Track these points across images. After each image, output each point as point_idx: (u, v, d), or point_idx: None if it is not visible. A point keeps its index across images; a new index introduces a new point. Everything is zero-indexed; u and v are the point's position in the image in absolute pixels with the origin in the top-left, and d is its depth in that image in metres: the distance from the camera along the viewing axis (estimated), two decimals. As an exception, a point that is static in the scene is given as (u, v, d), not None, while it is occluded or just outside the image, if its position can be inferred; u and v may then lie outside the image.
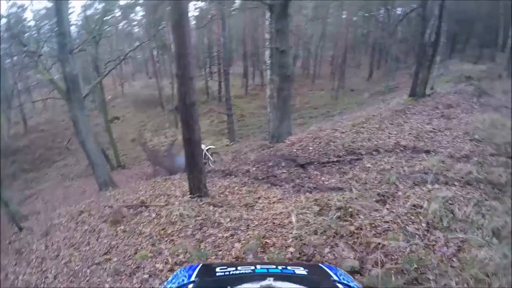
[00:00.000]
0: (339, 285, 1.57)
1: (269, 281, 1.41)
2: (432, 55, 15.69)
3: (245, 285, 1.41)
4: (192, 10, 41.53)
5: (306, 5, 43.46)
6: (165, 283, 1.74)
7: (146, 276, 4.67)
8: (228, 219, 6.04)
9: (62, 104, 23.22)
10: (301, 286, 1.43)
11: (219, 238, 5.41)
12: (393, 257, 4.12)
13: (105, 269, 5.09)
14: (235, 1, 35.99)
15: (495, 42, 28.52)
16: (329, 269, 1.82)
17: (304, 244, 4.63)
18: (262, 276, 1.48)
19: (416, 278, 3.76)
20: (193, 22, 38.09)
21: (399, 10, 35.76)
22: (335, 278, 1.66)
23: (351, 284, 1.63)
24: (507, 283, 3.56)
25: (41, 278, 5.33)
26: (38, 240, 7.23)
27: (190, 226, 5.99)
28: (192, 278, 1.62)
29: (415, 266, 3.88)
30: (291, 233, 4.97)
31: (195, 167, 7.08)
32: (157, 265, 4.85)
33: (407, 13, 27.02)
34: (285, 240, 4.86)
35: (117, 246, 5.81)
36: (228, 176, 9.09)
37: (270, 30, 12.28)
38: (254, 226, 5.63)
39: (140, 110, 33.21)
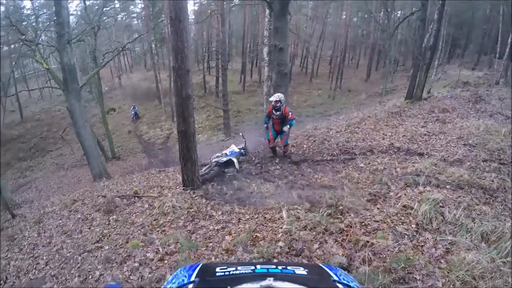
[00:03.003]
0: (339, 285, 1.56)
1: (269, 281, 1.40)
2: (430, 59, 15.75)
3: (245, 285, 1.39)
4: (192, 5, 41.63)
5: (306, 4, 43.56)
6: (165, 283, 1.72)
7: (136, 264, 4.69)
8: (220, 212, 6.11)
9: (59, 94, 23.09)
10: (301, 286, 1.41)
11: (210, 230, 5.47)
12: (381, 256, 4.16)
13: (97, 256, 5.11)
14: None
15: (494, 49, 28.61)
16: (329, 269, 1.80)
17: (294, 239, 4.68)
18: (262, 276, 1.47)
19: (403, 277, 3.78)
20: (192, 17, 38.11)
21: (399, 13, 35.89)
22: (335, 278, 1.65)
23: (351, 284, 1.62)
24: (494, 286, 3.60)
25: (33, 264, 5.34)
26: (31, 227, 7.24)
27: (182, 217, 6.06)
28: (192, 278, 1.61)
29: (403, 265, 3.90)
30: (281, 227, 5.02)
31: (189, 160, 7.10)
32: (148, 254, 4.89)
33: (407, 16, 27.06)
34: (275, 234, 4.90)
35: (109, 235, 5.83)
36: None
37: (269, 27, 12.30)
38: (245, 220, 5.69)
39: (137, 103, 33.06)
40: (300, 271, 1.69)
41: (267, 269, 1.66)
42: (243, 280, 1.45)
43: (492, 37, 32.16)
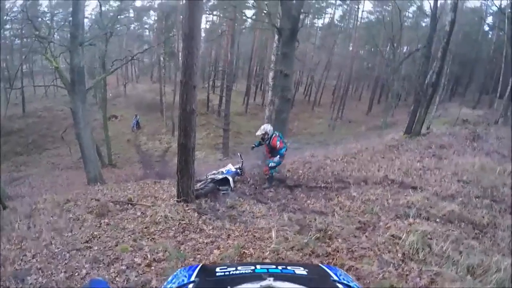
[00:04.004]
0: (339, 285, 1.61)
1: (269, 281, 1.44)
2: (432, 96, 15.95)
3: (245, 285, 1.43)
4: (204, 23, 42.19)
5: (314, 33, 44.13)
6: (165, 283, 1.77)
7: (123, 267, 4.73)
8: (211, 227, 6.20)
9: (63, 94, 23.16)
10: (301, 286, 1.44)
11: (200, 243, 5.53)
12: (365, 281, 4.21)
13: (85, 255, 5.13)
14: (247, 19, 36.55)
15: (495, 89, 28.85)
16: (329, 269, 1.86)
17: (280, 258, 4.75)
18: (262, 276, 1.52)
19: (385, 303, 3.84)
20: (203, 35, 38.58)
21: (404, 48, 36.40)
22: (335, 278, 1.70)
23: (351, 284, 1.67)
24: None
25: (19, 255, 5.32)
26: (21, 220, 7.18)
27: (173, 228, 6.13)
28: (192, 278, 1.65)
29: (386, 292, 3.96)
30: (269, 246, 5.09)
31: (186, 173, 7.18)
32: (135, 259, 4.93)
33: (412, 52, 27.43)
34: (263, 252, 4.97)
35: (99, 237, 5.86)
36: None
37: (277, 52, 12.41)
38: (235, 237, 5.77)
39: (140, 113, 33.17)
40: (300, 271, 1.74)
41: (267, 269, 1.72)
42: (243, 280, 1.50)
43: (494, 77, 32.48)
